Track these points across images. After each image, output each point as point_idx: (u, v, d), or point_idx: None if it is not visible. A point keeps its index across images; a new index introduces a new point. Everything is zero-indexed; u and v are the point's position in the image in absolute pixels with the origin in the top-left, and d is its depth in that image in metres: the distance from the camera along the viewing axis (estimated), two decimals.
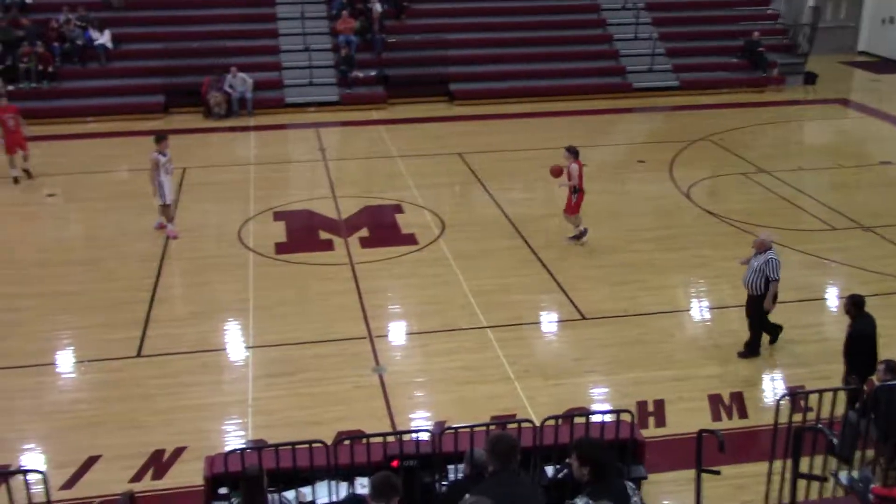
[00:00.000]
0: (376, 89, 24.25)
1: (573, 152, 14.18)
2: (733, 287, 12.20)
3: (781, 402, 8.24)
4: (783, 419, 7.72)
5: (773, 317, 11.04)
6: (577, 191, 14.16)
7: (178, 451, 9.14)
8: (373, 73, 24.49)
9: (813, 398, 7.72)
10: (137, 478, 8.75)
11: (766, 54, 25.93)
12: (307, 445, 7.10)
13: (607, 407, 9.73)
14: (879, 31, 30.30)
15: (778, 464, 7.63)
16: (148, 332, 11.71)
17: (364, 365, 10.88)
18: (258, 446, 7.36)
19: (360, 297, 12.66)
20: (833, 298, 12.88)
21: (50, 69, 23.07)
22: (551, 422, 7.38)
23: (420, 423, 9.67)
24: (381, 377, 10.61)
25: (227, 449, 8.27)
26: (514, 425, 7.26)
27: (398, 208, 16.26)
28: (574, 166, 14.09)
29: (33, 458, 9.14)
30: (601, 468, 5.45)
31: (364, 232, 15.14)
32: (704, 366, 10.88)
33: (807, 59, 26.92)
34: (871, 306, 9.59)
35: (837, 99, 25.00)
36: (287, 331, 11.71)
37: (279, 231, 15.22)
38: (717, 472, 7.64)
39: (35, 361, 11.05)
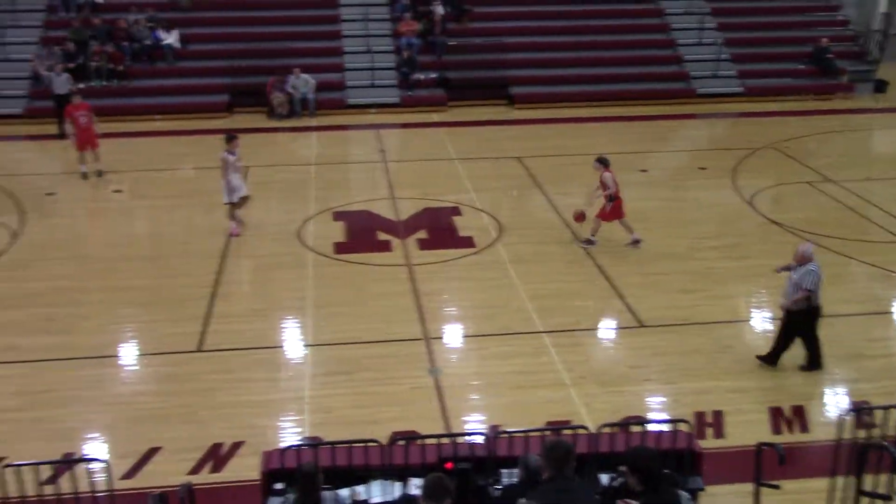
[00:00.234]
0: (437, 92, 24.34)
1: (603, 162, 14.19)
2: None
3: (845, 417, 8.05)
4: (846, 435, 7.55)
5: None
6: (612, 199, 14.09)
7: (236, 446, 9.26)
8: (434, 75, 24.59)
9: (878, 414, 7.53)
10: (196, 470, 8.89)
11: (835, 61, 25.41)
12: (362, 444, 7.15)
13: (664, 416, 9.62)
14: None
15: (840, 480, 7.46)
16: (208, 328, 11.90)
17: (420, 366, 10.91)
18: (314, 443, 7.44)
19: (417, 299, 12.71)
20: None
21: (120, 68, 23.65)
22: (607, 429, 7.32)
23: (474, 426, 9.65)
24: (436, 379, 10.63)
25: (284, 445, 8.38)
26: (569, 431, 7.22)
27: (456, 211, 16.28)
28: (607, 175, 14.07)
29: (97, 448, 9.35)
30: (651, 478, 5.41)
31: (422, 234, 15.20)
32: (765, 377, 10.67)
33: (877, 67, 26.29)
34: None
35: None
36: (344, 330, 11.80)
37: (338, 231, 15.36)
38: (777, 487, 7.50)
39: (99, 353, 11.31)
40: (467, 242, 14.81)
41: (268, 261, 14.24)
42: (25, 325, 11.95)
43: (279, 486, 7.20)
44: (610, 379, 10.66)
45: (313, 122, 23.02)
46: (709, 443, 9.23)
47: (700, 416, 9.80)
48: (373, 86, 24.38)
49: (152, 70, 24.25)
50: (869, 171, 18.58)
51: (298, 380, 10.67)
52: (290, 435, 9.53)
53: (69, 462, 7.92)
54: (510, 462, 6.99)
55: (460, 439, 7.55)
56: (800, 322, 10.46)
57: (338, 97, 23.99)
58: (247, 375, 10.75)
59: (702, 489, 7.55)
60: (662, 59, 25.95)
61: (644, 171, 18.51)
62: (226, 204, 14.99)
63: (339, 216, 16.03)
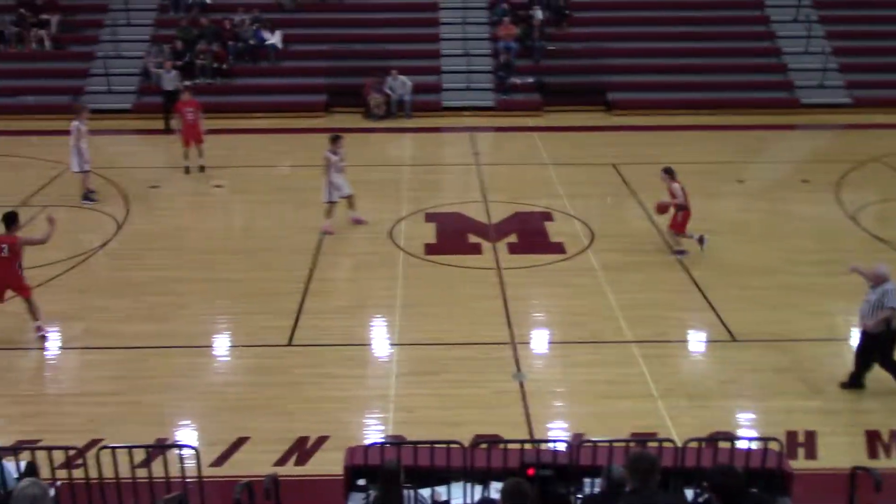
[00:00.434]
0: (533, 96, 24.29)
1: (669, 173, 14.01)
2: None
3: None
4: None
5: None
6: (681, 208, 13.82)
7: (321, 440, 9.41)
8: (530, 79, 24.53)
9: None
10: (282, 462, 9.07)
11: None
12: (445, 445, 7.18)
13: (754, 434, 9.38)
14: None
15: None
16: (299, 323, 12.14)
17: (505, 370, 10.90)
18: (398, 442, 7.50)
19: (506, 303, 12.69)
20: None
21: (224, 66, 24.36)
22: (694, 444, 7.17)
23: (557, 433, 9.59)
24: (521, 384, 10.60)
25: (367, 442, 8.49)
26: (655, 444, 7.10)
27: (548, 216, 16.20)
28: (676, 185, 13.88)
29: (188, 434, 9.64)
30: (730, 496, 5.29)
31: (513, 238, 15.17)
32: (861, 399, 10.28)
33: None
34: None
35: None
36: (432, 331, 11.88)
37: (429, 232, 15.47)
38: None
39: (195, 343, 11.67)
40: (558, 248, 14.72)
41: (359, 259, 14.45)
42: (127, 313, 12.40)
43: (361, 482, 7.28)
44: (698, 392, 10.44)
45: (409, 123, 23.25)
46: (800, 463, 8.94)
47: (791, 435, 9.50)
48: (468, 89, 24.49)
49: (255, 69, 24.91)
50: None
51: (385, 378, 10.78)
52: (373, 432, 9.64)
53: (162, 447, 8.18)
54: (592, 471, 6.90)
55: (543, 446, 7.51)
56: (879, 344, 10.10)
57: (434, 99, 24.16)
58: (335, 371, 10.92)
59: None
60: (766, 67, 25.30)
61: (741, 181, 18.07)
62: (325, 203, 15.25)
63: (430, 217, 16.15)
